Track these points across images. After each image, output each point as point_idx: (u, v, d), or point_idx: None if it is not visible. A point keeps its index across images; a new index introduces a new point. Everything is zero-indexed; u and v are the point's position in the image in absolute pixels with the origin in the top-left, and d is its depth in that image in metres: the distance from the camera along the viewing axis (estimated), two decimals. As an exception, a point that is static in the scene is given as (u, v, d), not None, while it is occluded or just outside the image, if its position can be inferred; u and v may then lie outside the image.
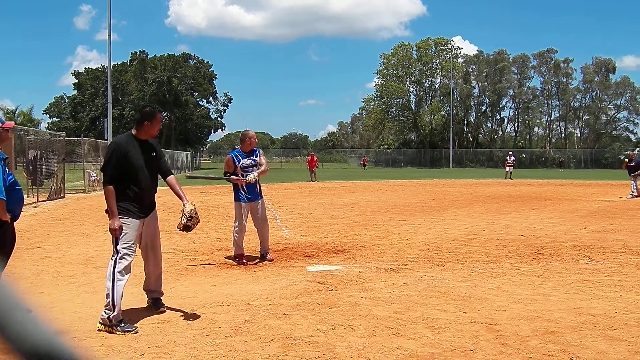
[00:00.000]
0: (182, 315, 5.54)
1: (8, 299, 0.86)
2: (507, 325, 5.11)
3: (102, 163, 5.82)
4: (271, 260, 8.64)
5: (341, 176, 45.45)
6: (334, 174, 51.88)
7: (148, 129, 5.75)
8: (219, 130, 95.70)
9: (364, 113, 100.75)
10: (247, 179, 8.49)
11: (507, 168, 39.79)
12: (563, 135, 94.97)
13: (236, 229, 8.60)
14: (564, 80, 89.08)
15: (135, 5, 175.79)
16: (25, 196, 17.58)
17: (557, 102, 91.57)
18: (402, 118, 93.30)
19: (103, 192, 5.58)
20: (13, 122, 7.52)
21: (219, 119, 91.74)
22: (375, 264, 8.22)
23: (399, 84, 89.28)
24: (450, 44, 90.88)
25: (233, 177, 8.54)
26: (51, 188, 20.95)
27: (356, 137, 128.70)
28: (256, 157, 8.71)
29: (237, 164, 8.59)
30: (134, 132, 5.76)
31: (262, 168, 8.71)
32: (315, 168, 37.16)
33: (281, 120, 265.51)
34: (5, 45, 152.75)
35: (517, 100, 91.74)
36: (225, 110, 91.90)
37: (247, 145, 8.69)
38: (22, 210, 5.84)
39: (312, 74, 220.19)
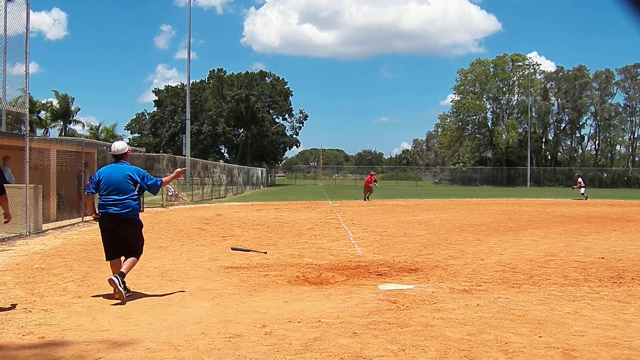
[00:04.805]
0: (253, 331, 5.60)
1: None
2: (584, 352, 4.92)
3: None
4: None
5: (415, 194, 45.07)
6: (409, 191, 51.51)
7: None
8: (294, 147, 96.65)
9: (439, 130, 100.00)
10: None
11: (582, 190, 37.95)
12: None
13: None
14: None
15: (212, 25, 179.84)
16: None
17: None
18: (479, 135, 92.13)
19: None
20: None
21: (294, 136, 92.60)
22: (449, 284, 8.10)
23: (476, 100, 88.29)
24: (528, 60, 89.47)
25: None
26: (131, 202, 21.54)
27: (431, 154, 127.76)
28: None
29: None
30: None
31: None
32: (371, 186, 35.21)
33: (355, 138, 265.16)
34: (91, 65, 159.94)
35: (598, 118, 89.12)
36: (300, 127, 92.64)
37: None
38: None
39: (386, 91, 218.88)
